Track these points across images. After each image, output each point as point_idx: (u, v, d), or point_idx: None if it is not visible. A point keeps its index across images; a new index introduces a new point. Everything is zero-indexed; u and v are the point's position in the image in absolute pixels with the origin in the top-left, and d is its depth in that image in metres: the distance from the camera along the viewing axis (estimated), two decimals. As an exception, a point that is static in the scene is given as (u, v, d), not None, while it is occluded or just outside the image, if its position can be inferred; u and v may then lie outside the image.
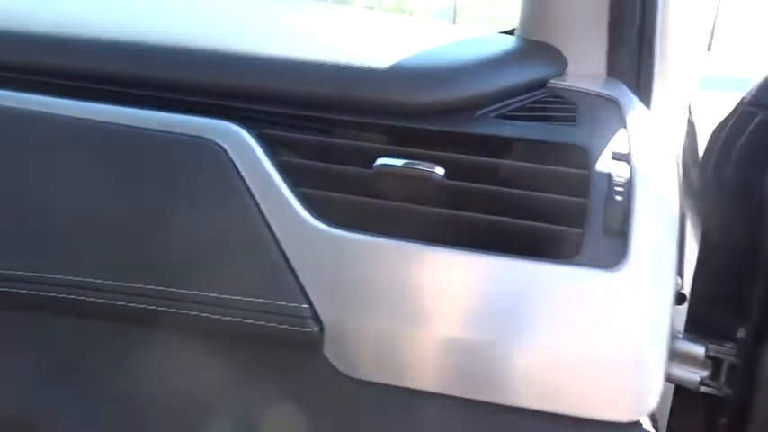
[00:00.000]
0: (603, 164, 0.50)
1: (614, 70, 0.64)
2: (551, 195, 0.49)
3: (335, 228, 0.49)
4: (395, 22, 0.76)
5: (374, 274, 0.48)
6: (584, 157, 0.51)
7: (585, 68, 0.63)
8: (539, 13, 0.65)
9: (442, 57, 0.59)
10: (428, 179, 0.50)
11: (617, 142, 0.52)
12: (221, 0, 0.77)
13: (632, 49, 0.63)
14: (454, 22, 4.57)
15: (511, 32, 0.79)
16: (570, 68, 0.63)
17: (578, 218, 0.48)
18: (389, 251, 0.48)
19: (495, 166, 0.52)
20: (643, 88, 0.64)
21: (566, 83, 0.61)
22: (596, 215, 0.48)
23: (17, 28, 0.59)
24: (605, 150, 0.52)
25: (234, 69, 0.55)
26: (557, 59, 0.63)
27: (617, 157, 0.51)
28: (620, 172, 0.49)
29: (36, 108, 0.54)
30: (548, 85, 0.61)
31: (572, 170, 0.50)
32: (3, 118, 0.55)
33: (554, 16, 0.63)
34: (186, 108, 0.55)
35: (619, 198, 0.47)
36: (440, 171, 0.50)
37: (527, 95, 0.59)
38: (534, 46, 0.63)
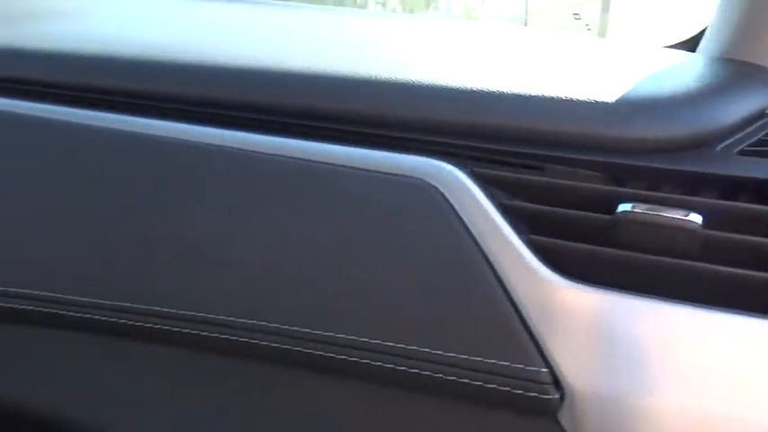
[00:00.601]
0: None
1: None
2: None
3: (579, 282, 0.44)
4: (544, 37, 0.71)
5: (627, 337, 0.43)
6: None
7: None
8: (743, 32, 0.59)
9: (662, 84, 0.53)
10: (683, 229, 0.44)
11: None
12: (322, 23, 0.74)
13: None
14: (525, 30, 4.49)
15: (681, 47, 0.73)
16: None
17: None
18: (645, 311, 0.43)
19: (762, 213, 0.45)
20: None
21: None
22: None
23: (188, 61, 0.56)
24: None
25: (434, 101, 0.51)
26: None
27: None
28: None
29: (218, 143, 0.51)
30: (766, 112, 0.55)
31: None
32: (180, 151, 0.52)
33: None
34: (380, 144, 0.51)
35: None
36: (696, 219, 0.44)
37: (754, 126, 0.53)
38: (746, 69, 0.58)
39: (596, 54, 0.66)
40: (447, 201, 0.47)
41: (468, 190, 0.48)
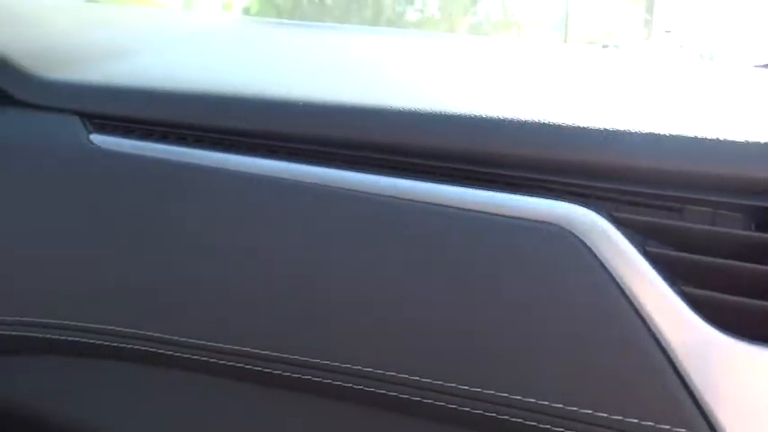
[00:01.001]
0: None
1: None
2: None
3: (746, 341, 0.41)
4: (645, 62, 0.67)
5: None
6: None
7: None
8: None
9: None
10: None
11: None
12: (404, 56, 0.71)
13: None
14: (566, 35, 4.47)
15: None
16: None
17: None
18: None
19: None
20: None
21: None
22: None
23: (312, 100, 0.54)
24: None
25: (562, 140, 0.48)
26: None
27: None
28: None
29: (345, 186, 0.49)
30: None
31: None
32: (293, 193, 0.50)
33: None
34: (502, 184, 0.48)
35: None
36: None
37: None
38: None
39: (709, 79, 0.62)
40: (589, 249, 0.44)
41: (609, 237, 0.44)
